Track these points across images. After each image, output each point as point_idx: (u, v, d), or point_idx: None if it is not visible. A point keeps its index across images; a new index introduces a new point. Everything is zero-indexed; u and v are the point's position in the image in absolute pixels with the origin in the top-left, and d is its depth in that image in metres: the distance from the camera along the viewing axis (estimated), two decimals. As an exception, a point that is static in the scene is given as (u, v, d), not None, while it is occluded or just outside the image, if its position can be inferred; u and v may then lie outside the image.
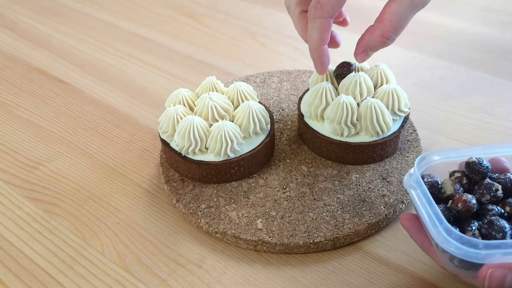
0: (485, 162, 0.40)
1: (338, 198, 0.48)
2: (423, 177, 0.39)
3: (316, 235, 0.44)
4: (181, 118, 0.48)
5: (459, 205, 0.37)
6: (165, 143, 0.50)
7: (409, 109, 0.51)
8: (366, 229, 0.45)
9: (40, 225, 0.48)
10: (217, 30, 0.80)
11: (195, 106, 0.51)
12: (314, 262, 0.44)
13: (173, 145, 0.49)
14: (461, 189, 0.39)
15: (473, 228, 0.36)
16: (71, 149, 0.57)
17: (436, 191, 0.39)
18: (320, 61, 0.47)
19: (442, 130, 0.58)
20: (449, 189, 0.39)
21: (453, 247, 0.34)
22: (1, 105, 0.64)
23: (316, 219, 0.46)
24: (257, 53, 0.73)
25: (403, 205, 0.48)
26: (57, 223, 0.48)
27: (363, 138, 0.50)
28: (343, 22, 0.51)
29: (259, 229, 0.45)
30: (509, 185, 0.39)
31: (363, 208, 0.47)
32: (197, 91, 0.53)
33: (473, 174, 0.40)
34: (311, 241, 0.44)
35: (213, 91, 0.52)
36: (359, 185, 0.49)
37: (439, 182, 0.39)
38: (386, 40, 0.44)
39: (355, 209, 0.47)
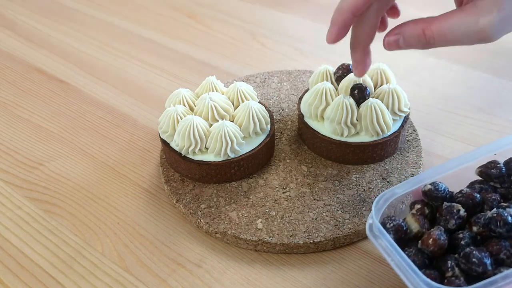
0: (441, 186, 0.38)
1: (338, 198, 0.48)
2: (384, 223, 0.37)
3: (316, 235, 0.44)
4: (181, 118, 0.48)
5: (430, 245, 0.35)
6: (165, 143, 0.50)
7: (409, 109, 0.51)
8: (366, 229, 0.45)
9: (40, 225, 0.48)
10: (217, 30, 0.80)
11: (195, 106, 0.51)
12: (314, 262, 0.44)
13: (173, 145, 0.49)
14: (426, 223, 0.38)
15: (452, 266, 0.35)
16: (71, 149, 0.57)
17: (402, 234, 0.37)
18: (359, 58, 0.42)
19: (442, 130, 0.58)
20: (414, 226, 0.37)
21: None
22: (1, 105, 0.64)
23: (316, 219, 0.46)
24: (257, 53, 0.73)
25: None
26: (57, 223, 0.48)
27: (363, 138, 0.50)
28: (393, 13, 0.46)
29: (259, 229, 0.45)
30: (470, 201, 0.38)
31: (363, 208, 0.47)
32: (197, 91, 0.53)
33: (433, 202, 0.39)
34: (311, 241, 0.44)
35: (213, 91, 0.52)
36: (359, 185, 0.49)
37: (403, 225, 0.37)
38: (424, 37, 0.38)
39: (355, 209, 0.47)
